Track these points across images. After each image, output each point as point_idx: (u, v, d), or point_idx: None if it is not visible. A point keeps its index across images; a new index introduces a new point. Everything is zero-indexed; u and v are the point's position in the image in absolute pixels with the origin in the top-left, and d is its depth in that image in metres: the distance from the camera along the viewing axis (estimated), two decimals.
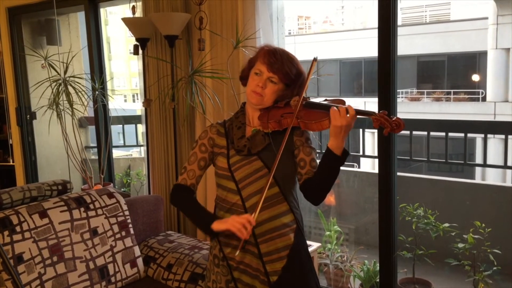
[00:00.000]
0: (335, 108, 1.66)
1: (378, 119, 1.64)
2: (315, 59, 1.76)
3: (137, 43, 3.40)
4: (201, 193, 3.39)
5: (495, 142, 8.84)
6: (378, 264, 3.12)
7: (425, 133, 4.47)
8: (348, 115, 1.63)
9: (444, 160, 4.38)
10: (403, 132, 1.69)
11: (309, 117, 1.73)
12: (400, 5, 2.69)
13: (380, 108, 2.71)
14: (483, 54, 12.02)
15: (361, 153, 5.18)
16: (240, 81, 1.93)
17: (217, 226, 1.74)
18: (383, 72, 2.69)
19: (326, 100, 1.79)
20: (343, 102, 1.74)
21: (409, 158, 4.62)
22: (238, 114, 1.90)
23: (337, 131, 1.64)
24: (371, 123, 1.69)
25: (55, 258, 2.23)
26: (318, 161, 1.83)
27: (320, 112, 1.72)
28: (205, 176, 3.32)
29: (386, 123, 1.63)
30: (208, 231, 1.78)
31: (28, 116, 4.83)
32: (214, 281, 1.88)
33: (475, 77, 12.85)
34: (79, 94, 3.85)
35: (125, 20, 3.32)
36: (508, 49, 11.46)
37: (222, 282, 1.85)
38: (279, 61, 1.76)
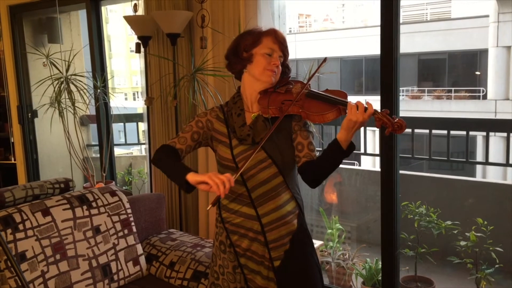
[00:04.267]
0: (352, 103, 1.64)
1: (380, 118, 1.64)
2: (325, 60, 1.80)
3: (139, 41, 3.39)
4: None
5: (495, 140, 8.84)
6: (380, 262, 3.12)
7: (426, 131, 4.46)
8: (366, 113, 1.62)
9: (446, 158, 4.37)
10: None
11: (311, 108, 1.73)
12: (401, 3, 2.69)
13: (382, 106, 2.71)
14: (484, 52, 12.01)
15: (362, 151, 5.17)
16: (237, 65, 1.85)
17: (192, 177, 1.64)
18: (386, 70, 2.69)
19: (327, 90, 1.79)
20: (345, 95, 1.75)
21: (410, 156, 4.61)
22: (236, 99, 1.88)
23: (350, 125, 1.64)
24: (372, 121, 1.68)
25: (58, 256, 2.23)
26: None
27: (324, 105, 1.72)
28: (207, 163, 3.31)
29: (388, 122, 1.63)
30: (183, 183, 1.67)
31: (29, 114, 4.82)
32: (220, 266, 1.91)
33: (476, 75, 12.84)
34: (81, 92, 3.85)
35: (127, 18, 3.32)
36: (509, 47, 11.44)
37: (229, 267, 1.88)
38: (283, 38, 1.82)
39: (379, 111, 1.66)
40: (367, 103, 1.66)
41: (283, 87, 1.82)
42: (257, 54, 1.79)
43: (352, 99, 1.76)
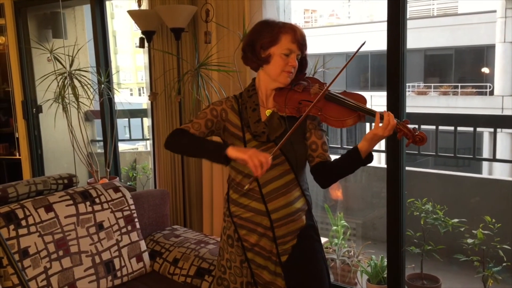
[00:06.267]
0: (380, 114, 1.63)
1: (401, 129, 1.64)
2: (363, 44, 1.74)
3: (143, 36, 3.37)
4: (207, 178, 3.37)
5: (502, 136, 8.78)
6: (385, 260, 3.10)
7: (433, 127, 4.42)
8: (389, 126, 1.62)
9: (452, 155, 4.33)
10: (411, 126, 1.69)
11: (330, 112, 1.71)
12: None
13: (389, 102, 2.68)
14: (491, 47, 11.91)
15: None
16: (253, 63, 1.82)
17: (234, 153, 1.62)
18: (392, 65, 2.65)
19: (344, 92, 1.77)
20: (364, 100, 1.73)
21: (417, 152, 4.57)
22: (251, 93, 1.85)
23: (375, 138, 1.66)
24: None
25: (60, 253, 2.22)
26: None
27: (344, 110, 1.70)
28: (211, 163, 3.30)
29: (410, 134, 1.64)
30: (222, 157, 1.64)
31: (34, 109, 4.82)
32: (228, 260, 1.90)
33: (483, 71, 12.75)
34: (85, 87, 3.84)
35: (131, 13, 3.30)
36: None
37: (236, 262, 1.87)
38: (303, 36, 1.76)
39: (400, 121, 1.65)
40: (389, 113, 1.63)
41: (300, 86, 1.79)
42: (275, 54, 1.74)
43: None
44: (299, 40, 1.75)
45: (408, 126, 1.65)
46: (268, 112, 1.81)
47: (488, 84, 12.37)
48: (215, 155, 1.69)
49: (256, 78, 1.86)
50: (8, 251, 1.09)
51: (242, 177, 1.81)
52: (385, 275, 3.28)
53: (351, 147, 1.77)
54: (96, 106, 4.49)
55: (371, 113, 1.67)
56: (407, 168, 2.82)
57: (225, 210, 1.91)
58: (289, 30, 1.74)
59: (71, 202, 2.35)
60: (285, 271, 1.82)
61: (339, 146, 4.94)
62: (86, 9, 4.85)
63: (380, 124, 1.63)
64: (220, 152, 1.64)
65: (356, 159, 1.69)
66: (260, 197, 1.78)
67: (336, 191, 4.91)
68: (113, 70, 4.22)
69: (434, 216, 3.40)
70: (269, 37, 1.74)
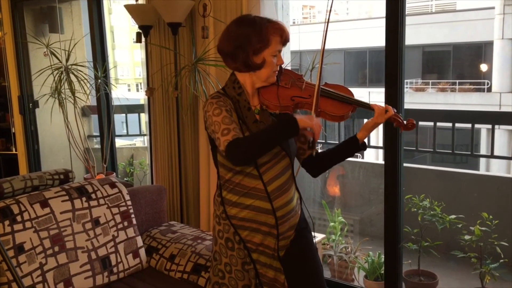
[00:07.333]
0: (379, 106, 1.76)
1: (396, 119, 1.74)
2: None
3: (140, 31, 3.35)
4: (205, 174, 3.36)
5: (499, 133, 8.77)
6: (383, 256, 3.09)
7: (431, 123, 4.41)
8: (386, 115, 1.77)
9: (450, 151, 4.32)
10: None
11: (328, 108, 1.74)
12: None
13: (387, 99, 2.67)
14: (489, 44, 11.93)
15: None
16: (244, 68, 1.76)
17: (302, 123, 1.63)
18: (391, 62, 2.64)
19: (326, 83, 1.80)
20: (350, 91, 1.78)
21: (414, 149, 4.57)
22: (238, 91, 1.79)
23: (374, 127, 1.80)
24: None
25: (56, 248, 2.20)
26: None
27: (340, 104, 1.74)
28: (209, 162, 3.28)
29: (402, 123, 1.76)
30: (296, 130, 1.62)
31: (30, 104, 4.79)
32: (227, 264, 1.86)
33: (481, 68, 12.75)
34: (82, 82, 3.81)
35: (128, 7, 3.27)
36: None
37: (238, 265, 1.83)
38: (288, 34, 1.78)
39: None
40: (387, 106, 1.78)
41: (287, 81, 1.79)
42: (267, 59, 1.72)
43: (355, 91, 1.80)
44: (287, 39, 1.76)
45: (398, 115, 1.76)
46: (256, 111, 1.80)
47: (486, 81, 12.38)
48: (288, 133, 1.66)
49: (240, 77, 1.80)
50: (2, 247, 1.08)
51: (242, 176, 1.76)
52: (382, 272, 3.29)
53: None
54: (93, 102, 4.47)
55: (366, 106, 1.76)
56: (405, 164, 2.82)
57: (220, 212, 1.84)
58: (277, 31, 1.72)
59: (67, 197, 2.33)
60: (284, 266, 1.83)
61: (337, 142, 4.93)
62: (83, 3, 4.81)
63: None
64: (294, 127, 1.62)
65: (355, 148, 1.83)
66: (266, 196, 1.75)
67: (334, 187, 4.90)
68: (111, 65, 4.19)
69: (432, 212, 3.40)
70: (259, 42, 1.70)
